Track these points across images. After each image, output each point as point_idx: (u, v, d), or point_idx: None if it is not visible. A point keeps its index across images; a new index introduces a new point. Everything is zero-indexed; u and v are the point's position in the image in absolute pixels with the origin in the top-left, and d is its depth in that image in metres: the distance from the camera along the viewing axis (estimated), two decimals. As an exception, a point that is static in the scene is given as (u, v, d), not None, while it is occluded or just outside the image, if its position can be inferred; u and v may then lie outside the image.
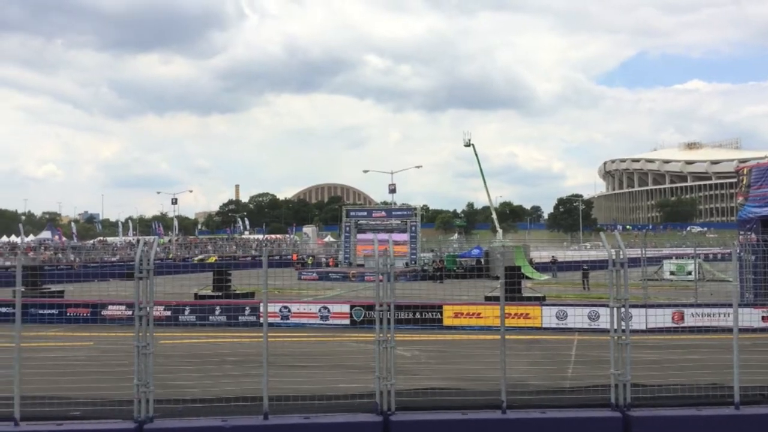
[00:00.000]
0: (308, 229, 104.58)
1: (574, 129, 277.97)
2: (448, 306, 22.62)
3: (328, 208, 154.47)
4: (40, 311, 23.01)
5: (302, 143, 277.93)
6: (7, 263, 60.40)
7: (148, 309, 8.63)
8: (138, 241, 75.80)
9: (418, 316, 22.22)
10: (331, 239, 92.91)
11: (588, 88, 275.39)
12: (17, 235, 76.99)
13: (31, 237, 79.50)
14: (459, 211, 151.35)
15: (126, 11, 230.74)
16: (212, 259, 67.80)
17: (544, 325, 21.59)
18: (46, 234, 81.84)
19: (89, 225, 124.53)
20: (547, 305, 22.69)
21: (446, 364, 16.22)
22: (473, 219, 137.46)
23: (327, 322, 22.84)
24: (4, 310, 23.89)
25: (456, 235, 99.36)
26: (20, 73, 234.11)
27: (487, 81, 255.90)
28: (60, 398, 9.64)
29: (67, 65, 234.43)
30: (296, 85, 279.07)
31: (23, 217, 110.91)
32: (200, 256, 70.41)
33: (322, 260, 63.58)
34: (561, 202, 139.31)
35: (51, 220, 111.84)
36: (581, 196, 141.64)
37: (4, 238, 77.52)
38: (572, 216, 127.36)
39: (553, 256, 54.29)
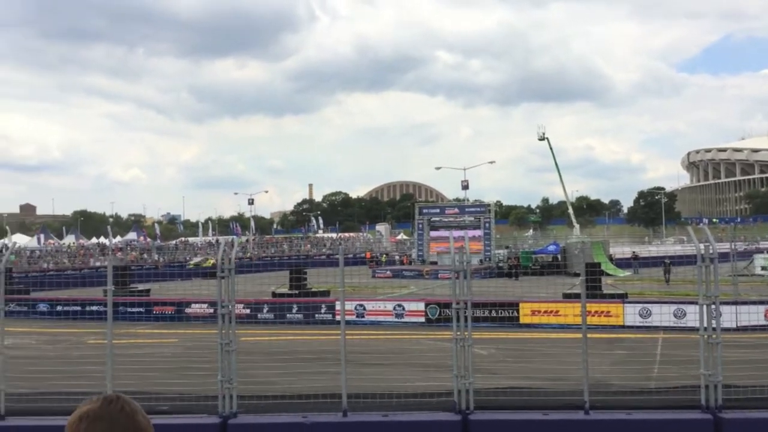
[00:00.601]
0: (381, 227, 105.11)
1: (654, 119, 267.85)
2: (525, 303, 22.22)
3: (400, 205, 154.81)
4: (129, 309, 24.08)
5: (374, 141, 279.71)
6: (98, 263, 63.68)
7: (230, 307, 8.87)
8: (217, 241, 78.15)
9: (493, 313, 21.94)
10: (404, 237, 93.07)
11: (668, 76, 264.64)
12: (106, 237, 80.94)
13: (119, 238, 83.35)
14: (533, 206, 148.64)
15: (203, 18, 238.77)
16: (210, 262, 59.23)
17: (626, 324, 20.90)
18: (132, 235, 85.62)
19: (172, 226, 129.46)
20: (629, 303, 21.95)
21: (524, 362, 15.94)
22: (548, 214, 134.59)
23: (402, 319, 22.88)
24: (95, 308, 25.17)
25: (531, 231, 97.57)
26: (106, 81, 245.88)
27: (561, 72, 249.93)
28: (149, 393, 10.03)
29: (149, 72, 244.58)
30: (367, 84, 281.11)
31: (111, 220, 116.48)
32: (196, 260, 63.76)
33: (395, 258, 63.80)
34: (642, 195, 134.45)
35: (136, 222, 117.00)
36: (663, 188, 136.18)
37: (94, 240, 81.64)
38: (654, 210, 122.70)
39: (633, 252, 52.49)
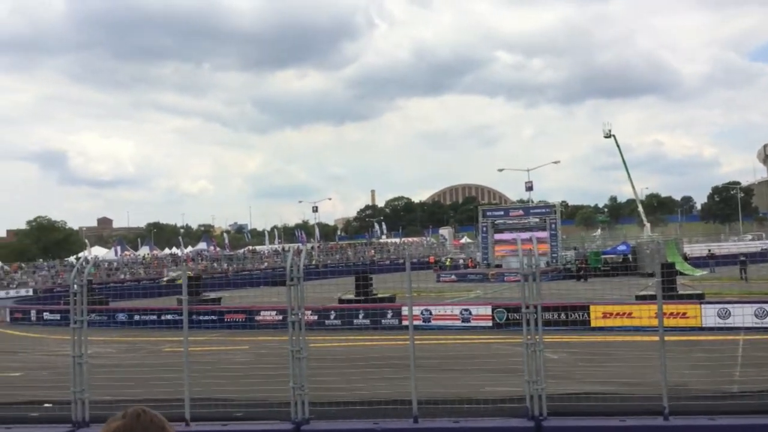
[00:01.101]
0: (444, 231, 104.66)
1: (727, 111, 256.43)
2: (596, 306, 21.66)
3: (463, 208, 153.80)
4: (201, 317, 24.78)
5: (434, 145, 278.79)
6: (171, 273, 65.85)
7: (299, 314, 8.99)
8: (283, 249, 79.43)
9: (563, 317, 21.48)
10: (468, 240, 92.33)
11: (741, 66, 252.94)
12: (178, 247, 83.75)
13: (190, 248, 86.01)
14: (601, 205, 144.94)
15: (264, 31, 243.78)
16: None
17: (704, 325, 20.07)
18: (202, 245, 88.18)
19: (239, 235, 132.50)
20: (707, 303, 21.08)
21: (597, 367, 15.53)
22: (617, 213, 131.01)
23: (469, 324, 22.69)
24: (170, 317, 26.03)
25: (599, 230, 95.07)
26: (174, 97, 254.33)
27: (627, 68, 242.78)
28: (224, 400, 10.28)
29: (214, 87, 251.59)
30: (426, 88, 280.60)
31: (182, 231, 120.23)
32: (171, 275, 58.89)
33: (459, 262, 63.36)
34: (716, 190, 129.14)
35: (206, 232, 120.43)
36: (739, 183, 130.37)
37: (167, 251, 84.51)
38: (729, 205, 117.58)
39: (709, 250, 50.44)
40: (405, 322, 22.37)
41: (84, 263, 10.14)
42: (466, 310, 23.31)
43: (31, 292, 56.06)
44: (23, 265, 72.14)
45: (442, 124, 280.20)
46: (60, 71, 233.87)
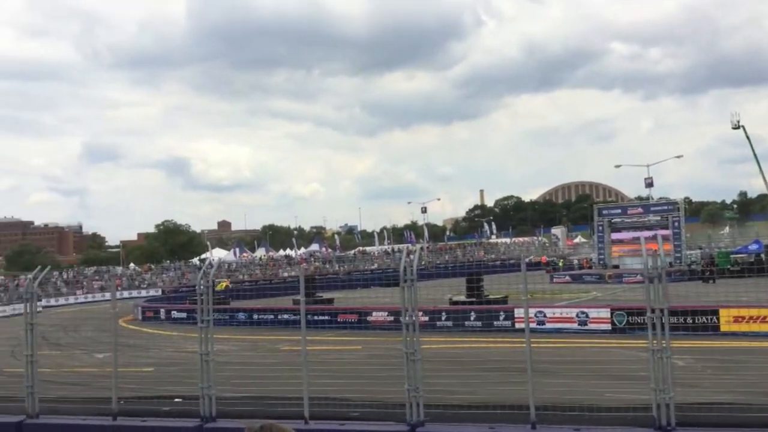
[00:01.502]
0: (557, 230, 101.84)
1: None
2: (726, 309, 20.24)
3: (576, 207, 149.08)
4: (315, 317, 25.45)
5: (545, 142, 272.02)
6: (285, 274, 68.27)
7: (413, 316, 9.00)
8: (393, 250, 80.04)
9: (689, 321, 20.24)
10: (582, 240, 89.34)
11: None
12: (291, 249, 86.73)
13: (303, 250, 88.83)
14: (728, 201, 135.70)
15: (372, 35, 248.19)
16: (222, 286, 49.86)
17: None
18: (314, 247, 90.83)
19: (349, 236, 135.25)
20: None
21: (728, 375, 14.50)
22: (747, 209, 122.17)
23: (586, 327, 21.88)
24: (286, 317, 26.96)
25: (727, 228, 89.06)
26: (287, 104, 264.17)
27: (756, 53, 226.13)
28: (341, 400, 10.47)
29: (324, 92, 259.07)
30: (536, 84, 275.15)
31: (295, 233, 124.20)
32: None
33: (573, 262, 61.38)
34: None
35: (318, 234, 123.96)
36: None
37: (282, 252, 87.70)
38: None
39: None
40: (518, 325, 21.91)
41: (209, 267, 10.67)
42: (582, 312, 22.50)
43: (159, 292, 59.93)
44: (152, 266, 77.29)
45: (553, 121, 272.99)
46: (183, 83, 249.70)
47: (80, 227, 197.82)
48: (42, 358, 11.19)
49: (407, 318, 9.04)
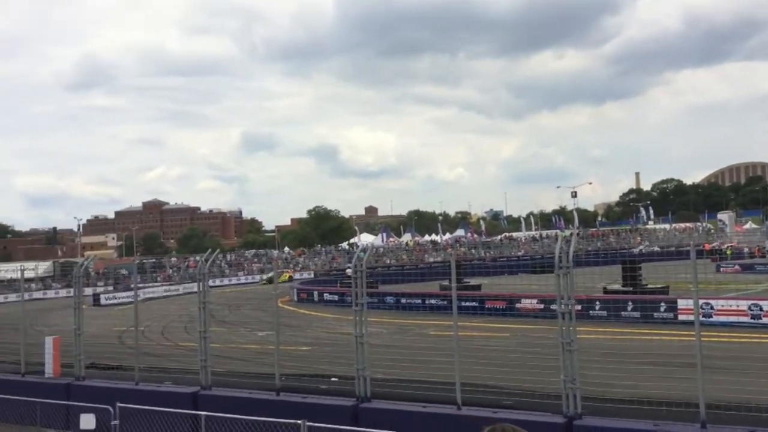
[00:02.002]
0: (724, 216, 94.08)
1: None
2: None
3: (745, 190, 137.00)
4: (463, 303, 25.37)
5: (709, 120, 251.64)
6: (431, 259, 68.87)
7: (570, 305, 8.67)
8: (540, 236, 77.97)
9: None
10: (753, 225, 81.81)
11: None
12: (437, 234, 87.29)
13: (448, 235, 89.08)
14: None
15: (519, 15, 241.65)
16: (286, 277, 53.64)
17: None
18: (459, 232, 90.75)
19: (495, 221, 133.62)
20: None
21: None
22: None
23: (760, 321, 20.01)
24: (434, 302, 27.17)
25: None
26: (431, 89, 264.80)
27: None
28: (493, 387, 10.38)
29: (468, 75, 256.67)
30: (699, 58, 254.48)
31: (440, 218, 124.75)
32: (268, 275, 55.50)
33: (744, 250, 56.37)
34: None
35: (463, 219, 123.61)
36: None
37: (427, 237, 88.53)
38: None
39: None
40: (681, 317, 20.51)
41: (362, 252, 10.95)
42: (755, 305, 20.58)
43: (312, 275, 62.82)
44: (305, 250, 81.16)
45: (720, 96, 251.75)
46: (332, 73, 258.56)
47: (240, 212, 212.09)
48: (211, 334, 12.10)
49: (563, 306, 8.72)
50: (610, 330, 19.86)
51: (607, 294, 24.28)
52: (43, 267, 64.36)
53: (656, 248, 66.22)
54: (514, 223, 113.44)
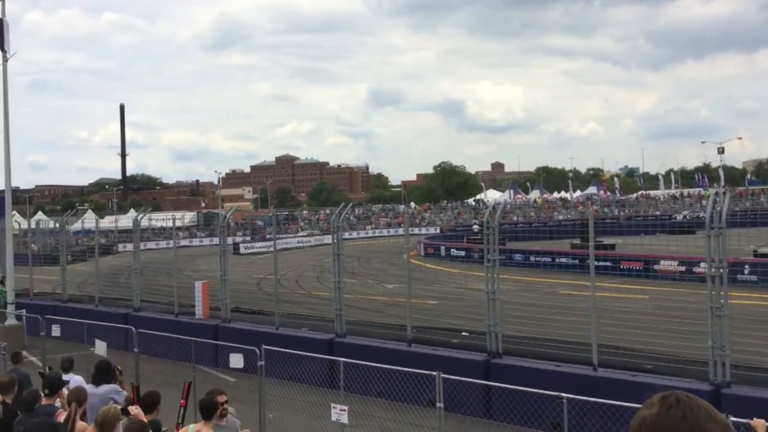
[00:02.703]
0: None
1: None
2: None
3: None
4: (597, 263, 24.40)
5: None
6: (560, 217, 66.94)
7: (721, 269, 8.11)
8: (681, 195, 73.26)
9: None
10: None
11: None
12: (566, 191, 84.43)
13: (579, 192, 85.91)
14: None
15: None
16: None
17: None
18: (591, 189, 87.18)
19: (630, 179, 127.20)
20: None
21: None
22: None
23: None
24: (563, 260, 26.44)
25: None
26: (563, 39, 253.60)
27: None
28: (632, 350, 10.00)
29: (604, 24, 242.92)
30: None
31: (570, 174, 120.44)
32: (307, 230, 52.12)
33: None
34: None
35: (595, 176, 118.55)
36: None
37: (556, 194, 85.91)
38: None
39: None
40: None
41: (495, 206, 10.80)
42: None
43: (437, 230, 63.09)
44: (431, 205, 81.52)
45: None
46: (458, 26, 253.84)
47: (367, 167, 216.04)
48: (343, 284, 12.52)
49: (713, 270, 8.19)
50: (759, 296, 18.44)
51: (757, 257, 22.49)
52: (188, 217, 69.42)
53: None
54: (650, 180, 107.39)
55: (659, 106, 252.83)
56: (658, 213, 66.47)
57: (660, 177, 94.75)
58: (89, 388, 6.58)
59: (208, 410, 5.23)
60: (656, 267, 22.96)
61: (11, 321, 16.60)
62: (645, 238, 31.16)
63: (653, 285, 20.93)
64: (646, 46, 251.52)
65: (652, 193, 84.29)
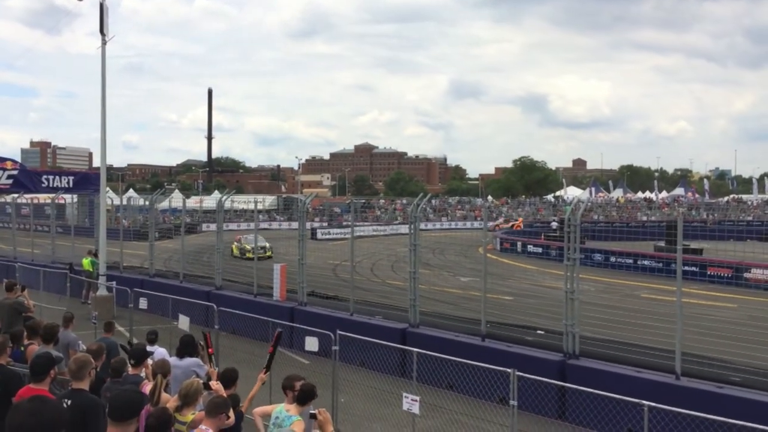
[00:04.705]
0: None
1: None
2: None
3: None
4: (682, 267, 23.44)
5: None
6: (644, 218, 64.57)
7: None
8: (777, 199, 69.21)
9: None
10: None
11: None
12: (652, 191, 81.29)
13: (665, 193, 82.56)
14: None
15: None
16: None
17: None
18: (678, 190, 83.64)
19: (721, 181, 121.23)
20: None
21: None
22: None
23: None
24: (646, 262, 25.50)
25: None
26: (654, 34, 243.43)
27: None
28: (716, 360, 9.54)
29: (700, 19, 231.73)
30: None
31: (656, 174, 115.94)
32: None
33: None
34: None
35: (683, 177, 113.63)
36: None
37: (640, 194, 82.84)
38: None
39: None
40: None
41: (578, 204, 10.52)
42: None
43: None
44: (509, 200, 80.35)
45: None
46: (544, 18, 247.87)
47: (445, 159, 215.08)
48: (419, 275, 12.51)
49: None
50: None
51: None
52: (269, 200, 71.21)
53: None
54: (743, 184, 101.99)
55: (756, 107, 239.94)
56: (749, 218, 63.08)
57: (754, 181, 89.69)
58: (173, 360, 6.87)
59: (309, 396, 5.36)
60: (746, 275, 21.77)
61: (102, 292, 17.53)
62: (735, 244, 29.65)
63: (743, 293, 19.91)
64: (744, 43, 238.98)
65: (744, 197, 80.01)
